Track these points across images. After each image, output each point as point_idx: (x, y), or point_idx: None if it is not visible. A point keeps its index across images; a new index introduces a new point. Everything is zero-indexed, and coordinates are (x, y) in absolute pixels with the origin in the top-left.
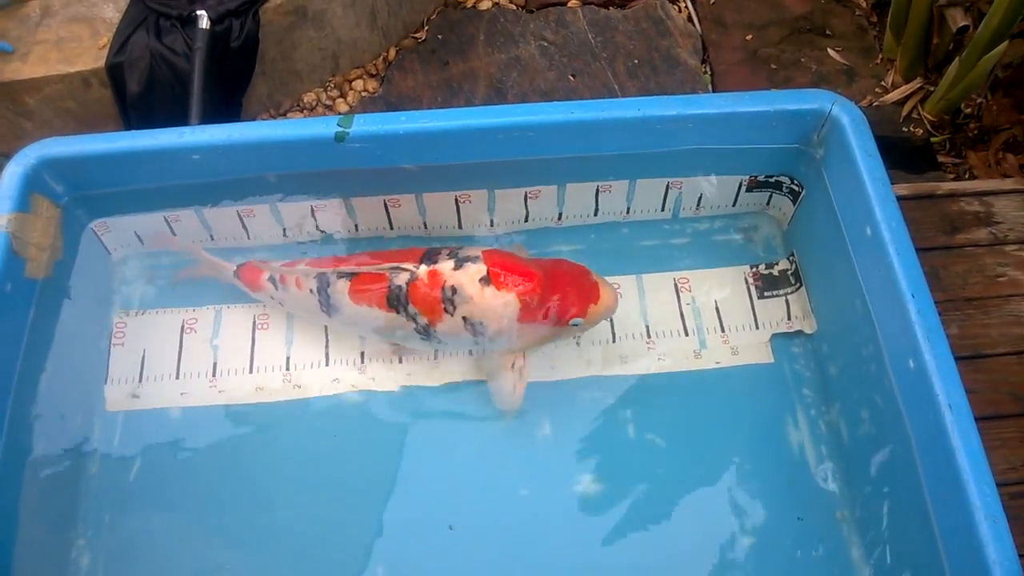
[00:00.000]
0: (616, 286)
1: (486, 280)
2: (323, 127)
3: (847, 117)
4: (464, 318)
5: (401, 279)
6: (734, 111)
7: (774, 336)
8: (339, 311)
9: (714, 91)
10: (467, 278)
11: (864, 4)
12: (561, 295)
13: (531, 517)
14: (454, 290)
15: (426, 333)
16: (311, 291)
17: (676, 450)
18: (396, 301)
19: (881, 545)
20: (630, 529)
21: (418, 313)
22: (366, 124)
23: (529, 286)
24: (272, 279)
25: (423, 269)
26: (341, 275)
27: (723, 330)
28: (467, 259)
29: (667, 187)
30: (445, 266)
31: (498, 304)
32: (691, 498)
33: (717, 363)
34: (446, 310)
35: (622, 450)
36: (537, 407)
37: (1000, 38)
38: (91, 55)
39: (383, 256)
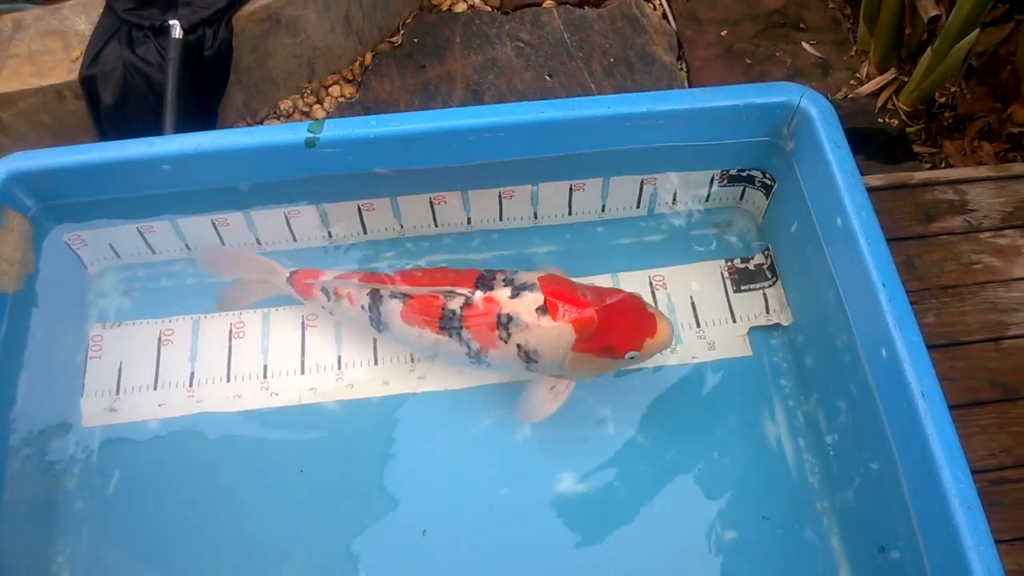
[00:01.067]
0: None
1: (543, 310)
2: (293, 133)
3: (815, 109)
4: (518, 346)
5: (455, 303)
6: (704, 106)
7: (752, 329)
8: (389, 329)
9: (690, 87)
10: (524, 307)
11: None
12: (618, 328)
13: (511, 519)
14: (510, 318)
15: (476, 358)
16: (363, 307)
17: (655, 446)
18: (449, 325)
19: (861, 534)
20: (612, 526)
21: (471, 338)
22: (336, 129)
23: (586, 317)
24: (325, 290)
25: (479, 295)
26: (394, 295)
27: (699, 325)
28: (524, 286)
29: (641, 184)
30: (502, 293)
31: (554, 334)
32: (672, 493)
33: (693, 358)
34: (500, 337)
35: (602, 448)
36: (515, 407)
37: (971, 27)
38: (64, 68)
39: (435, 276)
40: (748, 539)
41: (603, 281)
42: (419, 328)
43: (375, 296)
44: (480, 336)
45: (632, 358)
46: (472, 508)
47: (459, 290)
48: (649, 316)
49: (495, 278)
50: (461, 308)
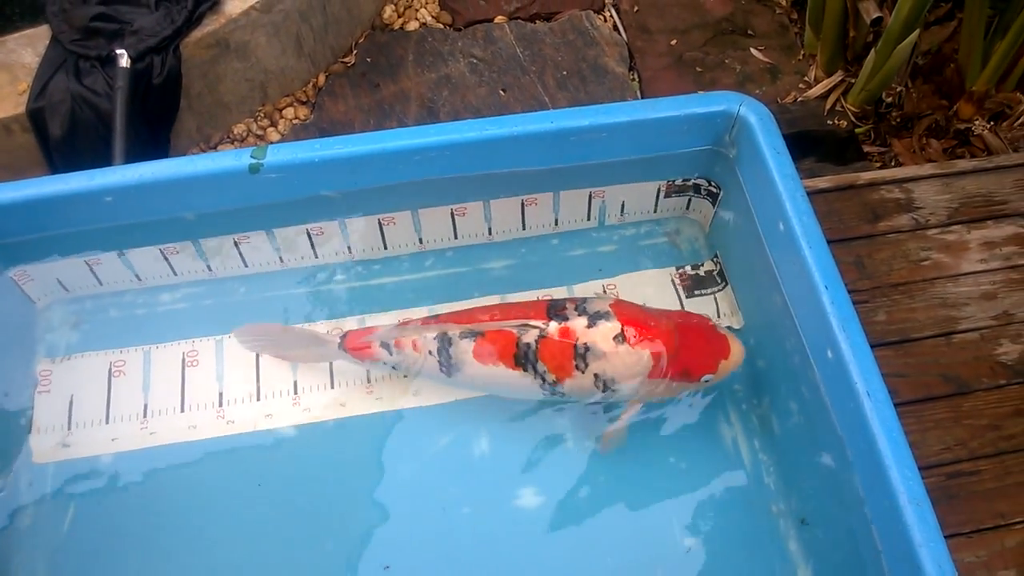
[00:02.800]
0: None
1: (620, 338)
2: (235, 160)
3: (755, 116)
4: (596, 375)
5: (530, 336)
6: (645, 118)
7: None
8: (461, 370)
9: (642, 97)
10: (600, 336)
11: (784, 2)
12: (694, 352)
13: (473, 536)
14: (587, 348)
15: (552, 389)
16: (430, 352)
17: (614, 456)
18: (524, 359)
19: (816, 535)
20: (575, 539)
21: (547, 371)
22: (280, 154)
23: (663, 344)
24: (386, 345)
25: (553, 326)
26: (464, 335)
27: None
28: (599, 315)
29: (590, 197)
30: (578, 323)
31: (632, 362)
32: (632, 501)
33: None
34: (577, 367)
35: (561, 460)
36: (473, 424)
37: (911, 27)
38: (11, 101)
39: (502, 311)
40: (708, 544)
41: (559, 292)
42: (493, 366)
43: (443, 339)
44: (557, 367)
45: (707, 380)
46: (434, 528)
47: (533, 323)
48: (722, 337)
49: (566, 307)
50: (537, 341)
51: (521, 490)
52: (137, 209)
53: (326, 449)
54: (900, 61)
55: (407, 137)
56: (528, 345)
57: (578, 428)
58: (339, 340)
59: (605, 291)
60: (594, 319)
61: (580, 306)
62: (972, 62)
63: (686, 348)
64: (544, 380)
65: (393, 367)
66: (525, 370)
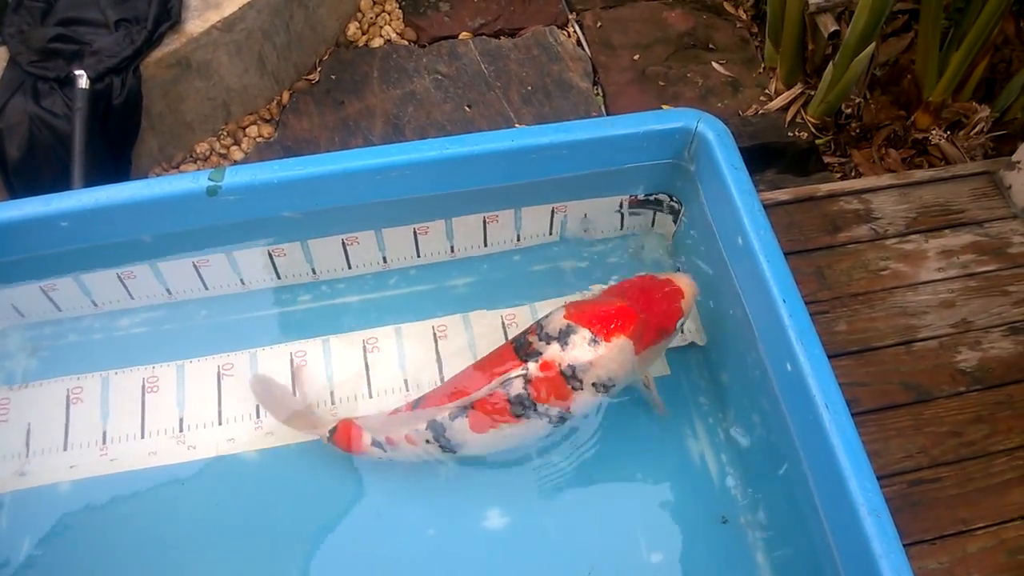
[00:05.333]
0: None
1: (594, 340)
2: (193, 182)
3: (712, 133)
4: (593, 384)
5: (517, 386)
6: (605, 135)
7: (668, 349)
8: (465, 446)
9: (607, 111)
10: (578, 350)
11: (744, 16)
12: (657, 309)
13: (439, 558)
14: (572, 368)
15: (561, 419)
16: (427, 441)
17: (582, 471)
18: (522, 409)
19: (782, 546)
20: (542, 558)
21: (548, 407)
22: (238, 175)
23: (631, 322)
24: (378, 443)
25: (532, 366)
26: (455, 414)
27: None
28: (562, 332)
29: (552, 212)
30: (552, 351)
31: (617, 355)
32: (600, 517)
33: None
34: (574, 388)
35: (527, 480)
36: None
37: (868, 40)
38: None
39: (472, 376)
40: (675, 558)
41: (522, 312)
42: (495, 429)
43: (436, 425)
44: (556, 399)
45: (682, 323)
46: (400, 551)
47: (512, 373)
48: (668, 282)
49: (531, 343)
50: (525, 387)
51: (487, 511)
52: (94, 232)
53: (290, 473)
54: (858, 73)
55: (367, 157)
56: (519, 395)
57: (542, 448)
58: (328, 434)
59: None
60: (563, 338)
61: (541, 333)
62: (928, 73)
63: (649, 311)
64: (550, 417)
65: (390, 459)
66: (528, 417)
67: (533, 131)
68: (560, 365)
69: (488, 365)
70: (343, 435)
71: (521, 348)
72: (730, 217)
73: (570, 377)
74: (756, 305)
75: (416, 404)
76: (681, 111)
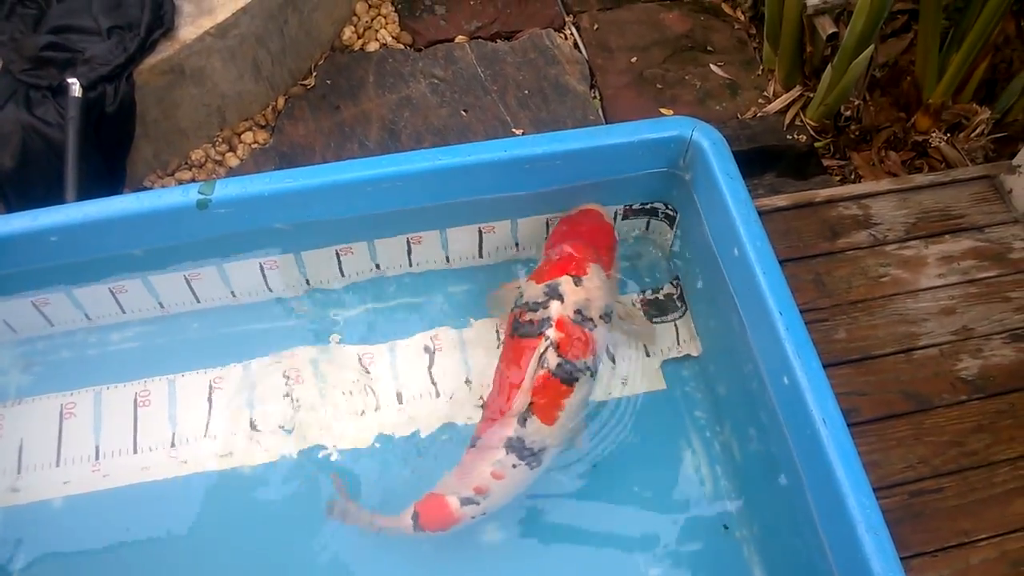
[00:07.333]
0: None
1: (577, 279)
2: (183, 196)
3: (707, 142)
4: (601, 317)
5: (552, 358)
6: (599, 145)
7: (665, 362)
8: (545, 445)
9: (604, 114)
10: (575, 295)
11: (743, 18)
12: (597, 240)
13: (436, 573)
14: (580, 311)
15: (595, 368)
16: (514, 466)
17: (578, 487)
18: (566, 372)
19: (779, 562)
20: (538, 572)
21: (583, 360)
22: (229, 188)
23: (585, 252)
24: (468, 500)
25: (551, 332)
26: (521, 419)
27: (613, 361)
28: (547, 292)
29: (547, 223)
30: (555, 308)
31: (599, 280)
32: (596, 531)
33: (609, 394)
34: (589, 329)
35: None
36: (434, 457)
37: (866, 42)
38: None
39: (507, 375)
40: (673, 572)
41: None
42: (560, 408)
43: (512, 443)
44: (584, 347)
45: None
46: (397, 564)
47: (540, 347)
48: (582, 212)
49: (530, 320)
50: (558, 353)
51: (484, 526)
52: (84, 247)
53: (287, 485)
54: (857, 75)
55: (358, 169)
56: (559, 364)
57: None
58: (411, 521)
59: None
60: (553, 294)
61: (528, 307)
62: (928, 74)
63: (591, 238)
64: (590, 369)
65: (493, 504)
66: (576, 379)
67: (527, 141)
68: (570, 314)
69: (512, 363)
70: (430, 513)
71: (525, 331)
72: (726, 227)
73: (583, 320)
74: (753, 316)
75: (473, 444)
76: (676, 119)
